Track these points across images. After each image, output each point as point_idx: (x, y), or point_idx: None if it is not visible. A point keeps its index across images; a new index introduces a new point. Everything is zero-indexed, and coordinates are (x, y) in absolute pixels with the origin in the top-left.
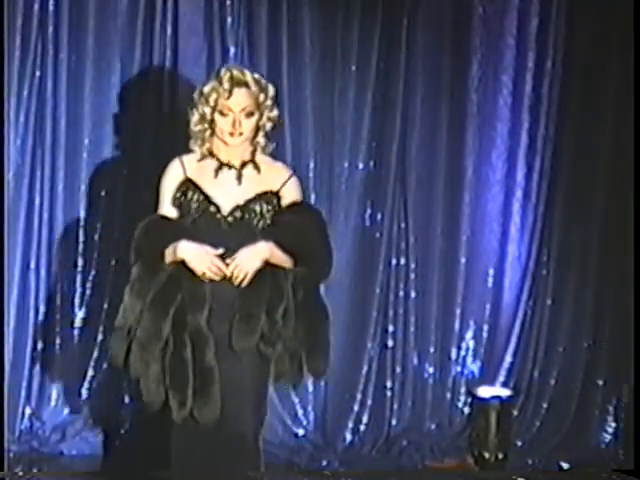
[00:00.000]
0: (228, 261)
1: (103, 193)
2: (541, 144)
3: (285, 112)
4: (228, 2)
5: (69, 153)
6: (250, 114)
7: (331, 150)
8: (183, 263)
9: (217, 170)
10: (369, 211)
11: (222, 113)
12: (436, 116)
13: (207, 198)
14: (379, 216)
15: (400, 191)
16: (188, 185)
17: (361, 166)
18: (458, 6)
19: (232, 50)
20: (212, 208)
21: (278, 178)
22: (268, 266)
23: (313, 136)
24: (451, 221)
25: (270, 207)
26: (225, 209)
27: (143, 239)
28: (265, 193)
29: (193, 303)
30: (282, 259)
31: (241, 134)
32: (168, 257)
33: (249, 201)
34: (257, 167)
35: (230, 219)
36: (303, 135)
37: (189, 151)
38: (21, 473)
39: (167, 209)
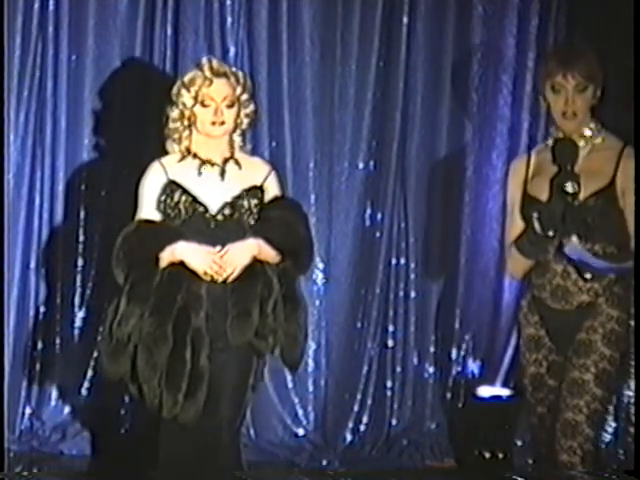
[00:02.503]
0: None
1: (103, 193)
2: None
3: (285, 112)
4: (228, 2)
5: (69, 153)
6: (231, 105)
7: (331, 150)
8: (181, 264)
9: (200, 168)
10: (369, 211)
11: (203, 104)
12: (436, 116)
13: (194, 198)
14: (379, 216)
15: (400, 191)
16: (173, 187)
17: (361, 166)
18: (458, 6)
19: (232, 50)
20: (200, 208)
21: (259, 172)
22: (257, 262)
23: (313, 136)
24: (451, 221)
25: (257, 202)
26: (213, 208)
27: (135, 245)
28: (250, 188)
29: (193, 303)
30: (270, 255)
31: (223, 123)
32: (164, 260)
33: (237, 197)
34: (238, 163)
35: (219, 217)
36: (303, 135)
37: (166, 153)
38: (25, 473)
39: (150, 213)
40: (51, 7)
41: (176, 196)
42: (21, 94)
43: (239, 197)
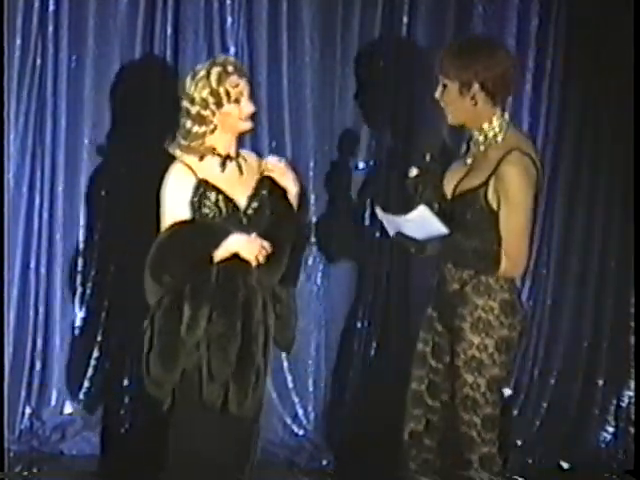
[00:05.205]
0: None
1: (103, 193)
2: (541, 144)
3: (285, 112)
4: (228, 2)
5: (69, 153)
6: (250, 98)
7: (331, 150)
8: (230, 258)
9: (223, 165)
10: (369, 211)
11: (235, 101)
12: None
13: (226, 196)
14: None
15: (400, 191)
16: (205, 187)
17: (361, 166)
18: (458, 6)
19: (232, 50)
20: (232, 204)
21: (257, 163)
22: None
23: (313, 136)
24: None
25: (268, 191)
26: (241, 203)
27: (189, 246)
28: (261, 179)
29: (252, 296)
30: None
31: (250, 117)
32: (218, 257)
33: (256, 189)
34: (243, 155)
35: (250, 211)
36: (303, 135)
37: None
38: (25, 473)
39: (183, 215)
40: (51, 7)
41: (212, 195)
42: (21, 94)
43: (258, 188)
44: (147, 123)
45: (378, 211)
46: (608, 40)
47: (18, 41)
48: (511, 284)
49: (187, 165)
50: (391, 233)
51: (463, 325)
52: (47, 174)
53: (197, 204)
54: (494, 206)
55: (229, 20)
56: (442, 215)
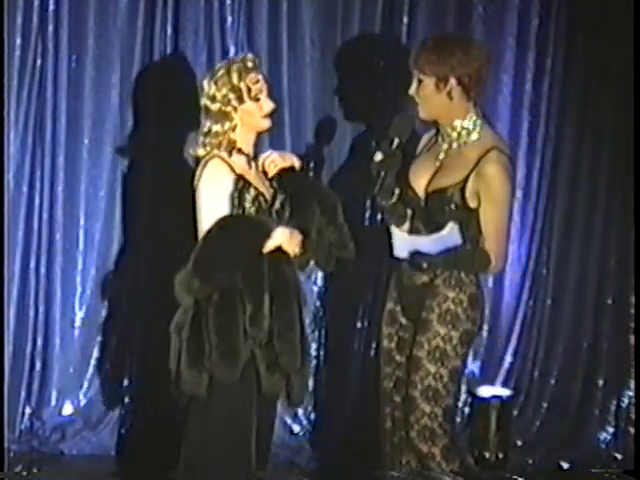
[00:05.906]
0: None
1: (103, 193)
2: (541, 144)
3: (285, 112)
4: (228, 2)
5: (69, 153)
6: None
7: (331, 150)
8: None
9: (249, 162)
10: (369, 211)
11: (256, 98)
12: None
13: (261, 192)
14: (379, 216)
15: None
16: (243, 183)
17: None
18: (458, 6)
19: (232, 50)
20: (264, 200)
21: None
22: None
23: (313, 136)
24: None
25: (283, 184)
26: (269, 199)
27: (242, 241)
28: (271, 178)
29: (298, 286)
30: None
31: (270, 114)
32: (266, 249)
33: (276, 184)
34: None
35: (277, 207)
36: (303, 135)
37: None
38: (25, 473)
39: (226, 209)
40: (51, 7)
41: (252, 191)
42: (21, 94)
43: (277, 184)
44: (146, 123)
45: (399, 232)
46: (608, 40)
47: (18, 41)
48: (478, 278)
49: (224, 160)
50: (401, 253)
51: (430, 316)
52: (47, 174)
53: (237, 199)
54: (471, 204)
55: (229, 20)
56: (415, 213)
